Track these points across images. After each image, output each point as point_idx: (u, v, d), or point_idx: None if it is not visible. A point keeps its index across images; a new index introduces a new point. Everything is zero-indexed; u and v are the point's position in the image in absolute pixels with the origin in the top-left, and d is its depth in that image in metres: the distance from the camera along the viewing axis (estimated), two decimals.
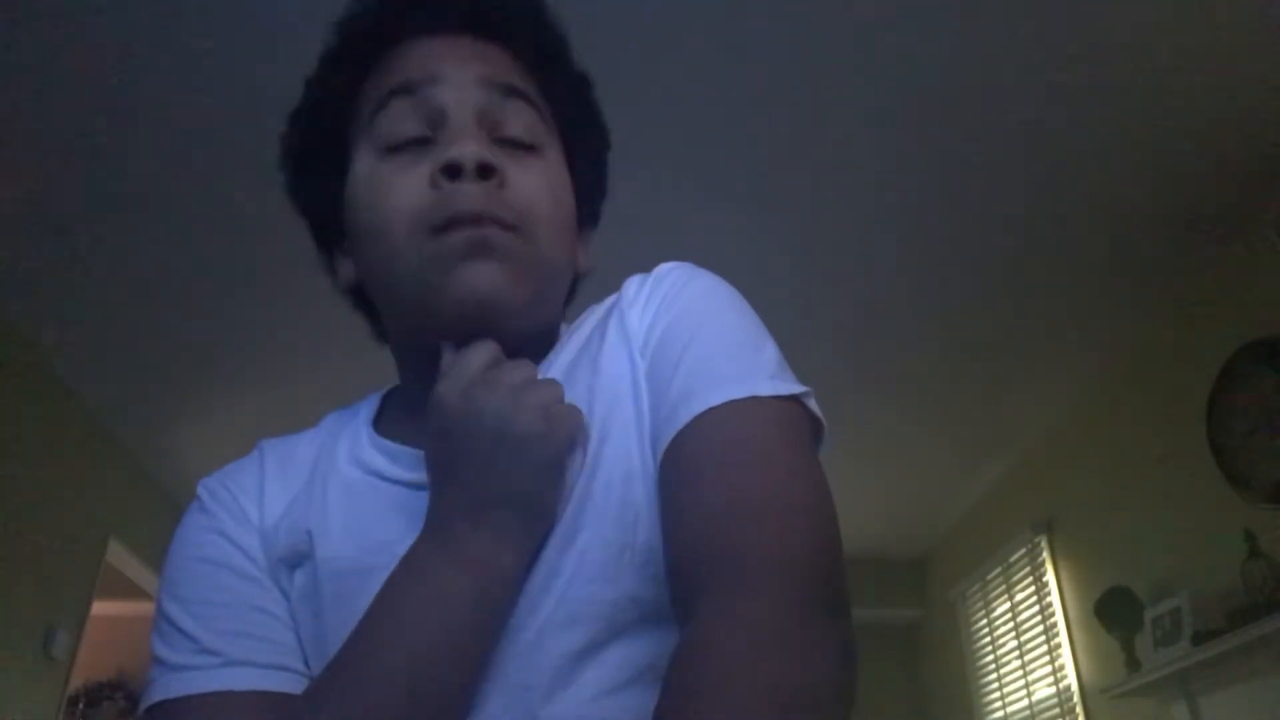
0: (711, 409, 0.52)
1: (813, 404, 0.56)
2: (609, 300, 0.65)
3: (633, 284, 0.64)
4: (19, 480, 3.14)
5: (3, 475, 3.05)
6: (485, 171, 0.56)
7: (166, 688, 0.55)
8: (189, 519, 0.62)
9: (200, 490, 0.63)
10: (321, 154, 0.65)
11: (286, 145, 0.67)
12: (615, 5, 2.03)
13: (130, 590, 4.05)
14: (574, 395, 0.58)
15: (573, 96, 0.67)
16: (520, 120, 0.61)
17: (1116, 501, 3.42)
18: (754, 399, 0.52)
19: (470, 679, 0.50)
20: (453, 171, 0.56)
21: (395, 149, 0.59)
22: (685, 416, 0.53)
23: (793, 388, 0.54)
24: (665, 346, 0.58)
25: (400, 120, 0.59)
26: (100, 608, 3.79)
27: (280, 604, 0.58)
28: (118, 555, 3.83)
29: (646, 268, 0.65)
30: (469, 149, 0.56)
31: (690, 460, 0.52)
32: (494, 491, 0.53)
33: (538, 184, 0.60)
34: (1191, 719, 2.79)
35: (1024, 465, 4.11)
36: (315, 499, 0.60)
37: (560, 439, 0.54)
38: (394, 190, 0.58)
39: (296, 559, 0.58)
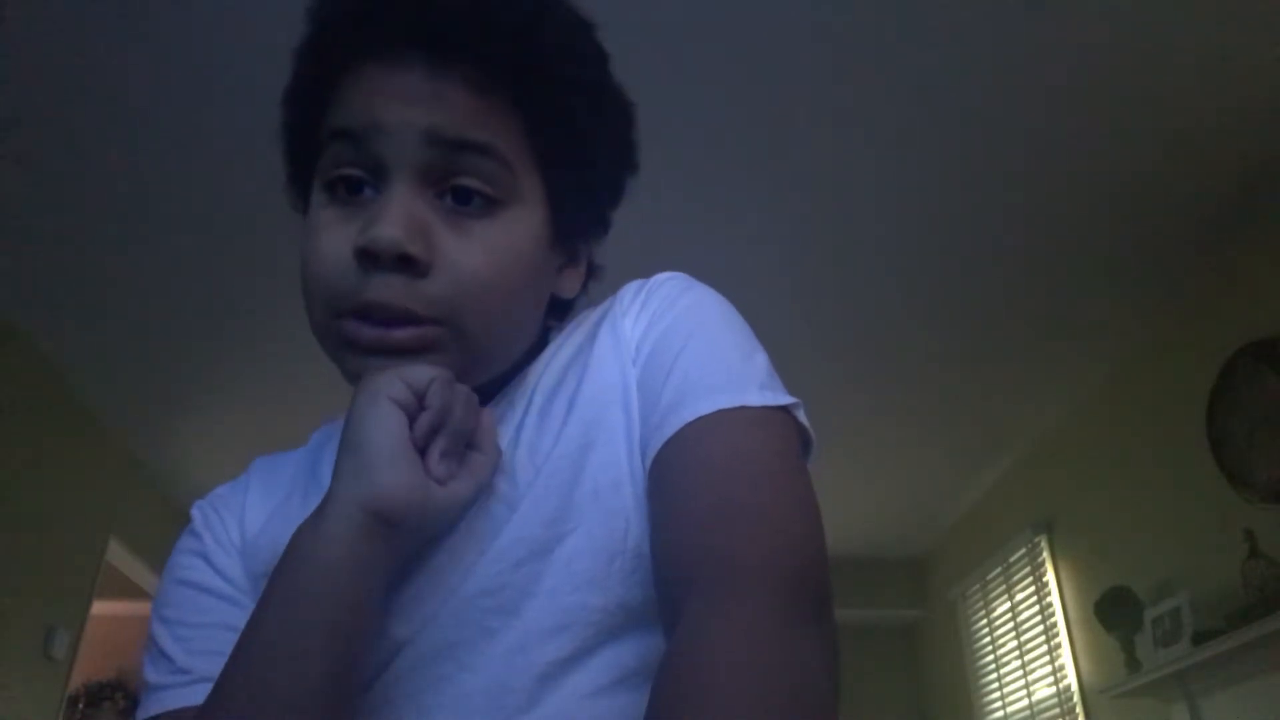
0: (701, 418, 0.53)
1: (801, 415, 0.56)
2: (604, 305, 0.65)
3: (629, 291, 0.64)
4: (19, 480, 3.14)
5: (2, 475, 3.05)
6: (405, 262, 0.53)
7: (146, 709, 0.57)
8: (179, 543, 0.64)
9: (193, 513, 0.65)
10: (299, 165, 0.63)
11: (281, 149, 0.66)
12: (623, 10, 2.03)
13: (130, 590, 4.05)
14: (563, 401, 0.59)
15: (566, 113, 0.59)
16: (475, 173, 0.56)
17: (1116, 501, 3.42)
18: (743, 409, 0.53)
19: (341, 646, 0.48)
20: (369, 258, 0.53)
21: (335, 193, 0.57)
22: (675, 425, 0.53)
23: (782, 399, 0.55)
24: (657, 356, 0.58)
25: (341, 164, 0.56)
26: (100, 607, 3.79)
27: None
28: (118, 555, 3.83)
29: (637, 274, 0.65)
30: (387, 234, 0.52)
31: (679, 468, 0.52)
32: (345, 440, 0.53)
33: (478, 258, 0.55)
34: (1191, 719, 2.79)
35: (1024, 465, 4.11)
36: (293, 515, 0.59)
37: (382, 379, 0.53)
38: (320, 253, 0.56)
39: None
